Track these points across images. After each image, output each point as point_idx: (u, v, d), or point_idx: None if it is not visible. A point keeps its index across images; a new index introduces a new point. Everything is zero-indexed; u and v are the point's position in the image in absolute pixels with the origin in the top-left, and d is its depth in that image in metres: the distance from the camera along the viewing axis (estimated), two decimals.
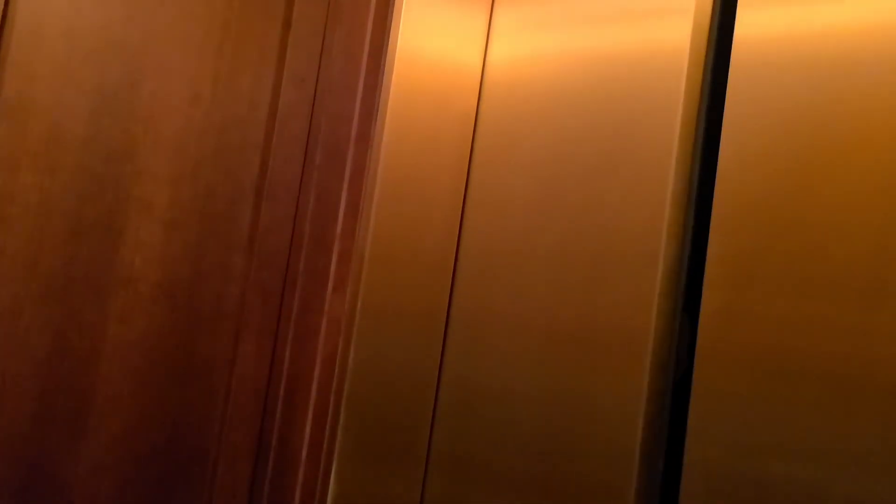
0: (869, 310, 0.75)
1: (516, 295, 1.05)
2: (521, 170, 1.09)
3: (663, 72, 0.93)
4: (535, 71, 1.12)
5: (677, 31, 0.94)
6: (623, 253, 0.91)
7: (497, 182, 1.14)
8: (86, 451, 1.17)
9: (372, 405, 1.13)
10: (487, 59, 1.22)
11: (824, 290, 0.78)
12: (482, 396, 1.08)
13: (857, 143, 0.79)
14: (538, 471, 0.98)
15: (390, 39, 1.18)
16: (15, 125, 1.11)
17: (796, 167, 0.82)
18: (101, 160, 1.18)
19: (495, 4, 1.23)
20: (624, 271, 0.90)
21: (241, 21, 1.29)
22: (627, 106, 0.96)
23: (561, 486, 0.95)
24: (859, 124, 0.80)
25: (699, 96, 0.94)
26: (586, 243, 0.95)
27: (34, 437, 1.13)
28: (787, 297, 0.80)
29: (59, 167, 1.14)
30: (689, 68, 0.91)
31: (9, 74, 1.10)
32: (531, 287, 1.03)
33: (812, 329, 0.78)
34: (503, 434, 1.04)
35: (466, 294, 1.14)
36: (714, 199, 0.88)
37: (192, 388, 1.25)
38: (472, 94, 1.21)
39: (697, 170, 0.93)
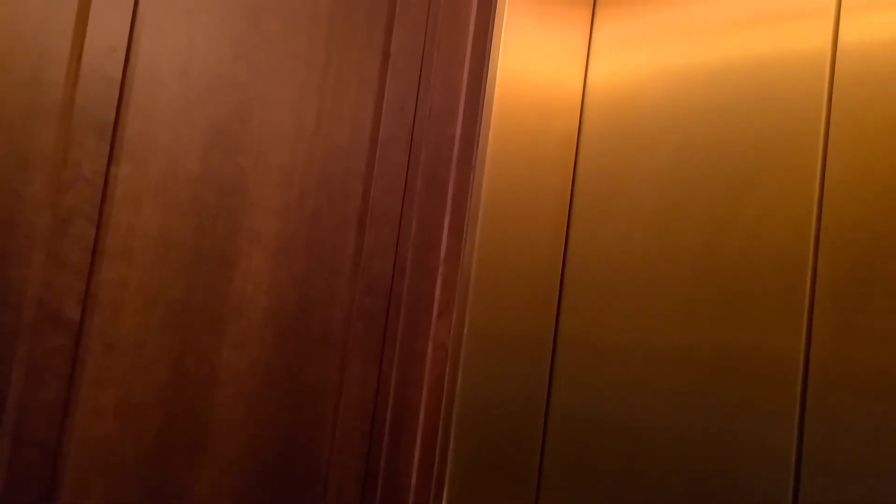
0: None
1: (637, 320, 1.02)
2: (638, 190, 1.06)
3: (800, 79, 0.89)
4: (644, 86, 1.09)
5: (816, 35, 0.89)
6: (765, 272, 0.87)
7: (608, 203, 1.12)
8: (205, 472, 1.21)
9: (481, 430, 1.12)
10: (588, 77, 1.21)
11: None
12: (596, 425, 1.06)
13: None
14: None
15: (489, 64, 1.19)
16: (137, 164, 1.17)
17: None
18: (213, 193, 1.22)
19: (595, 22, 1.22)
20: (767, 292, 0.86)
21: (343, 53, 1.32)
22: (759, 117, 0.92)
23: None
24: None
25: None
26: (722, 264, 0.92)
27: (158, 459, 1.18)
28: None
29: (176, 201, 1.20)
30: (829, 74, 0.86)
31: (131, 116, 1.16)
32: (656, 312, 1.00)
33: None
34: (623, 465, 1.01)
35: (576, 319, 1.13)
36: (822, 216, 0.83)
37: (301, 411, 1.28)
38: (573, 114, 1.20)
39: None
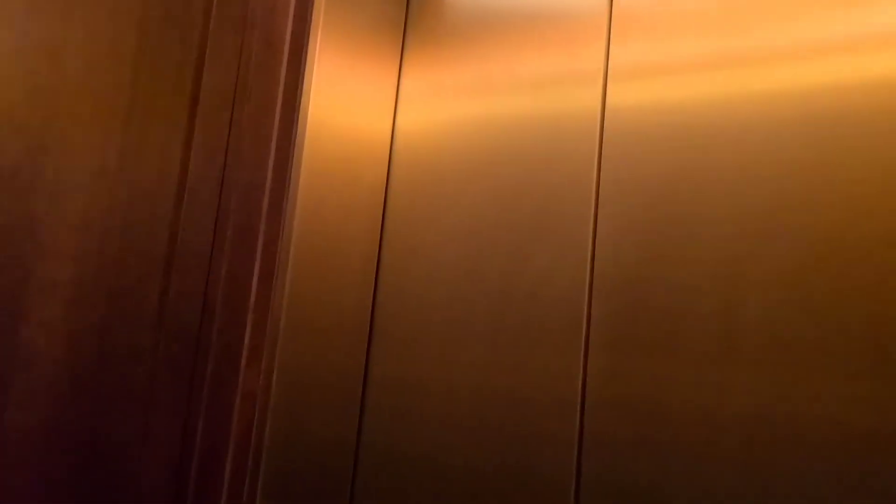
0: (719, 367, 0.81)
1: (442, 363, 1.06)
2: (441, 239, 1.11)
3: (575, 139, 0.98)
4: (447, 139, 1.16)
5: (588, 98, 0.99)
6: (548, 321, 0.94)
7: (415, 252, 1.16)
8: None
9: (290, 482, 1.11)
10: (396, 128, 1.26)
11: (683, 349, 0.84)
12: (405, 463, 1.08)
13: (715, 204, 0.86)
14: None
15: (300, 112, 1.21)
16: None
17: (665, 234, 0.88)
18: (1, 240, 1.14)
19: (402, 75, 1.27)
20: (549, 339, 0.93)
21: (148, 96, 1.29)
22: (543, 173, 1.00)
23: None
24: (718, 188, 0.86)
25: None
26: (513, 312, 0.98)
27: None
28: (657, 356, 0.85)
29: None
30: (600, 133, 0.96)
31: None
32: (458, 356, 1.04)
33: (675, 384, 0.83)
34: (430, 501, 1.04)
35: (384, 362, 1.15)
36: (593, 266, 0.92)
37: (100, 471, 1.20)
38: (381, 163, 1.25)
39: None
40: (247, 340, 1.20)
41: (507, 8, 1.09)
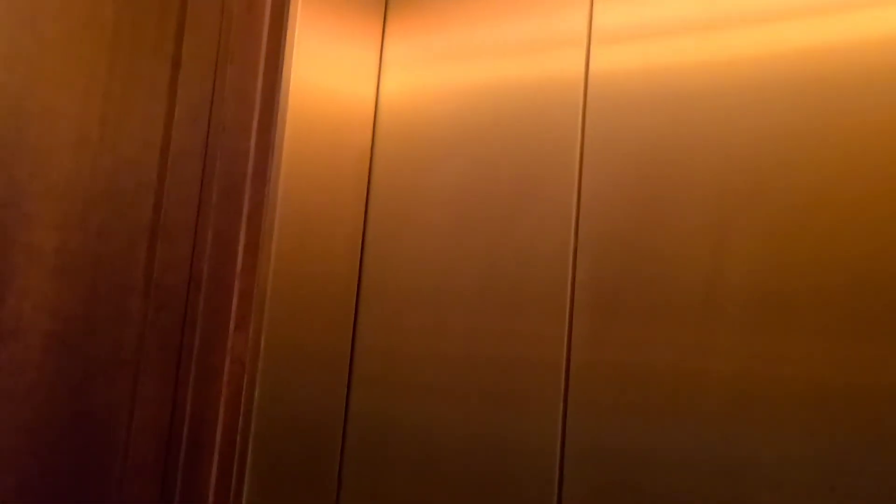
0: (703, 329, 0.82)
1: (429, 330, 1.07)
2: (428, 205, 1.11)
3: (561, 101, 0.97)
4: (432, 103, 1.15)
5: (572, 62, 0.98)
6: (532, 287, 0.95)
7: (401, 218, 1.16)
8: None
9: (279, 444, 1.12)
10: (380, 92, 1.25)
11: (667, 312, 0.85)
12: (393, 430, 1.09)
13: (699, 169, 0.86)
14: (457, 502, 1.00)
15: (283, 77, 1.20)
16: None
17: (648, 198, 0.89)
18: None
19: (385, 38, 1.26)
20: (534, 304, 0.94)
21: (129, 61, 1.27)
22: (528, 139, 1.00)
23: None
24: (702, 152, 0.87)
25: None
26: (499, 278, 0.98)
27: None
28: (641, 320, 0.86)
29: None
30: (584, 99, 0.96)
31: None
32: (446, 322, 1.05)
33: (659, 347, 0.84)
34: (418, 467, 1.05)
35: (371, 329, 1.16)
36: (578, 231, 0.93)
37: (89, 437, 1.21)
38: (366, 128, 1.24)
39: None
40: (234, 307, 1.20)
41: None
